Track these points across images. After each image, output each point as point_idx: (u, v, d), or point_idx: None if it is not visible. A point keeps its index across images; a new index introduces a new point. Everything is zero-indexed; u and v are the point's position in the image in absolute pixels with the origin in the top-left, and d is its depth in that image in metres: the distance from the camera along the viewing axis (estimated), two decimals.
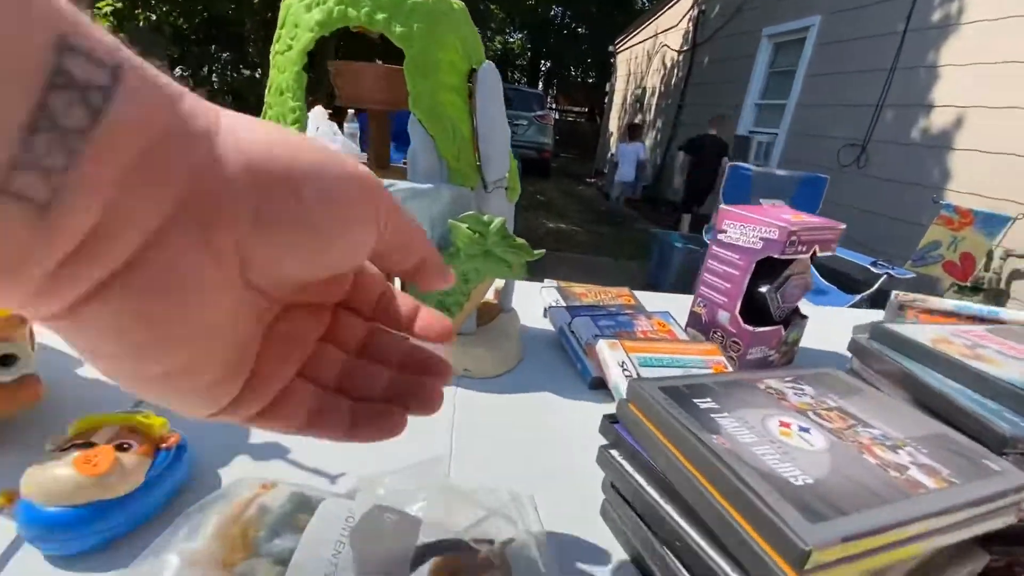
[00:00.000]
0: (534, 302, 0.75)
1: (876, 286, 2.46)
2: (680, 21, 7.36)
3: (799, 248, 0.56)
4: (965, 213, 2.98)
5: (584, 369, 0.56)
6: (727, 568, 0.27)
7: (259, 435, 0.41)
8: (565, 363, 0.59)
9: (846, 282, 3.05)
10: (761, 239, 0.56)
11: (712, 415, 0.31)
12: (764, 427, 0.31)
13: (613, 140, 9.98)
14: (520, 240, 0.48)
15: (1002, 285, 2.98)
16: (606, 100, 10.85)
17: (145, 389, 0.15)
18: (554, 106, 21.31)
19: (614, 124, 10.10)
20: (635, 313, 0.65)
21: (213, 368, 0.15)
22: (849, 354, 0.48)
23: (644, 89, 8.56)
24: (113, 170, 0.11)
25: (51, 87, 0.10)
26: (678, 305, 0.79)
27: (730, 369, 0.48)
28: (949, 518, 0.27)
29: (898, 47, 3.77)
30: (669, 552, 0.31)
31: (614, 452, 0.34)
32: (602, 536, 0.36)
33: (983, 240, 2.89)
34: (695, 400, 0.33)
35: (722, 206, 0.61)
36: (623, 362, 0.44)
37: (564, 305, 0.68)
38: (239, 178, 0.13)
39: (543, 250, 0.50)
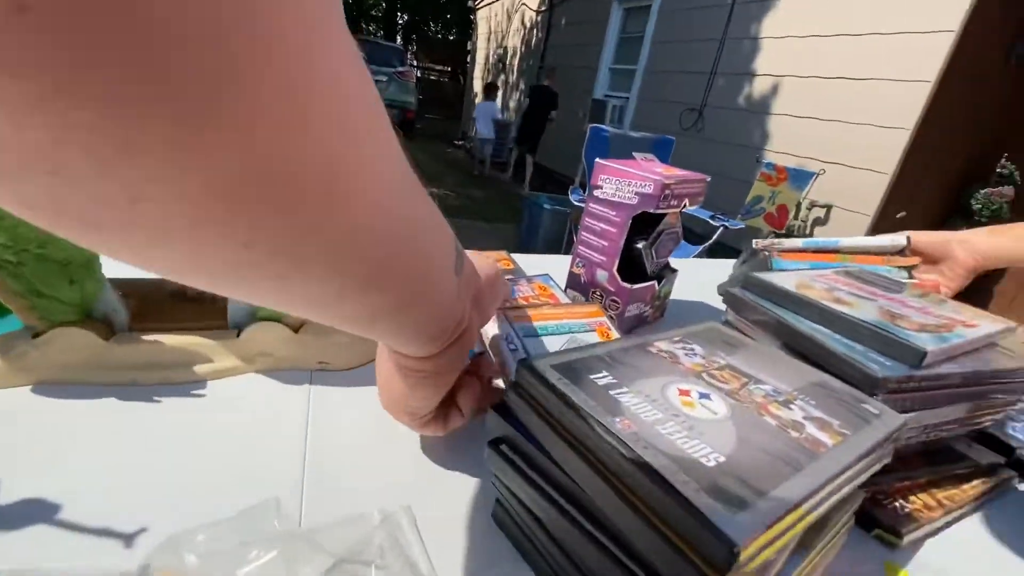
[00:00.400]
0: None
1: (715, 237, 2.77)
2: None
3: (672, 202, 0.55)
4: (781, 170, 3.47)
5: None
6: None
7: (17, 493, 0.28)
8: None
9: (688, 235, 3.40)
10: (636, 194, 0.54)
11: (612, 392, 0.27)
12: (665, 398, 0.27)
13: (478, 101, 9.85)
14: None
15: (807, 231, 3.56)
16: (468, 59, 10.58)
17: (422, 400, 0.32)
18: (415, 63, 20.35)
19: (478, 84, 9.94)
20: (515, 277, 0.59)
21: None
22: (715, 303, 0.48)
23: (505, 49, 8.50)
24: (464, 282, 0.28)
25: (457, 251, 0.26)
26: (556, 265, 0.76)
27: (612, 330, 0.45)
28: (850, 472, 0.26)
29: (727, 18, 4.17)
30: (574, 561, 0.26)
31: (504, 448, 0.28)
32: (496, 544, 0.31)
33: (794, 193, 3.41)
34: (591, 376, 0.28)
35: (597, 160, 0.57)
36: (508, 335, 0.38)
37: None
38: (486, 281, 0.34)
39: None
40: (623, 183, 0.55)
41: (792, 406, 0.29)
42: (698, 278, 0.89)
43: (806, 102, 3.59)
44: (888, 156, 3.07)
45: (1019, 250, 0.57)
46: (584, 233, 0.60)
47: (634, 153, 0.60)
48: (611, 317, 0.59)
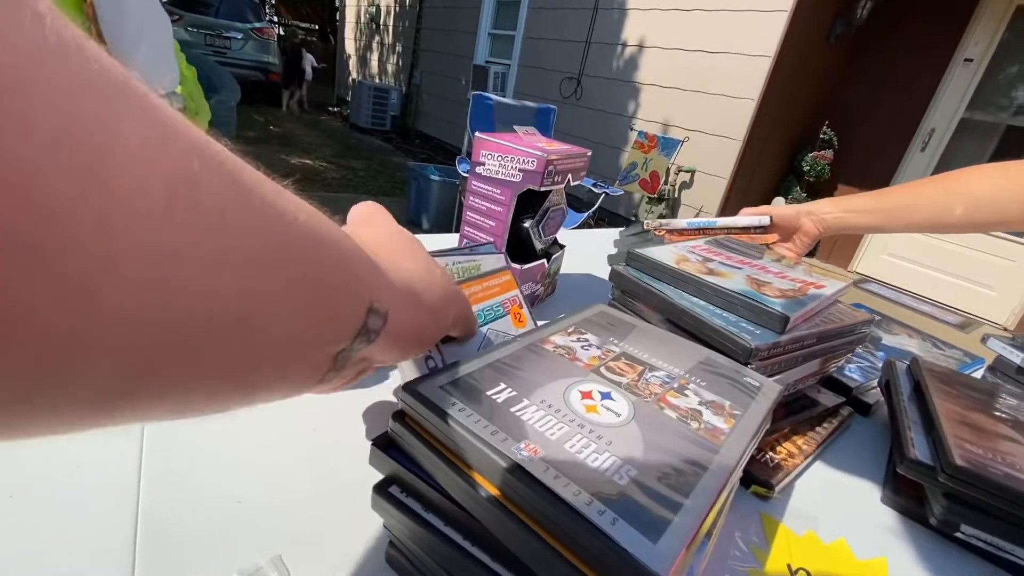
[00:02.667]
0: None
1: (598, 204, 2.90)
2: None
3: (556, 178, 0.53)
4: (651, 138, 3.71)
5: None
6: None
7: None
8: None
9: (573, 202, 3.53)
10: (520, 170, 0.52)
11: (513, 409, 0.25)
12: (569, 407, 0.26)
13: (352, 64, 9.15)
14: None
15: (676, 195, 3.87)
16: (338, 17, 9.72)
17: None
18: (276, 19, 18.23)
19: (351, 46, 9.21)
20: None
21: None
22: (602, 274, 0.49)
23: (378, 7, 7.93)
24: (364, 354, 0.20)
25: (358, 335, 0.19)
26: (437, 246, 0.72)
27: (523, 306, 0.43)
28: (746, 453, 0.26)
29: None
30: None
31: (394, 491, 0.25)
32: None
33: (663, 160, 3.67)
34: (489, 393, 0.25)
35: (477, 134, 0.54)
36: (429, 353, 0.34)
37: None
38: (426, 330, 0.25)
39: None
40: (506, 159, 0.52)
41: (687, 391, 0.30)
42: (584, 249, 0.91)
43: (671, 73, 3.84)
44: (739, 124, 3.42)
45: (856, 221, 0.65)
46: (469, 213, 0.57)
47: (515, 126, 0.57)
48: None
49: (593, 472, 0.21)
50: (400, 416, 0.25)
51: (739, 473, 0.27)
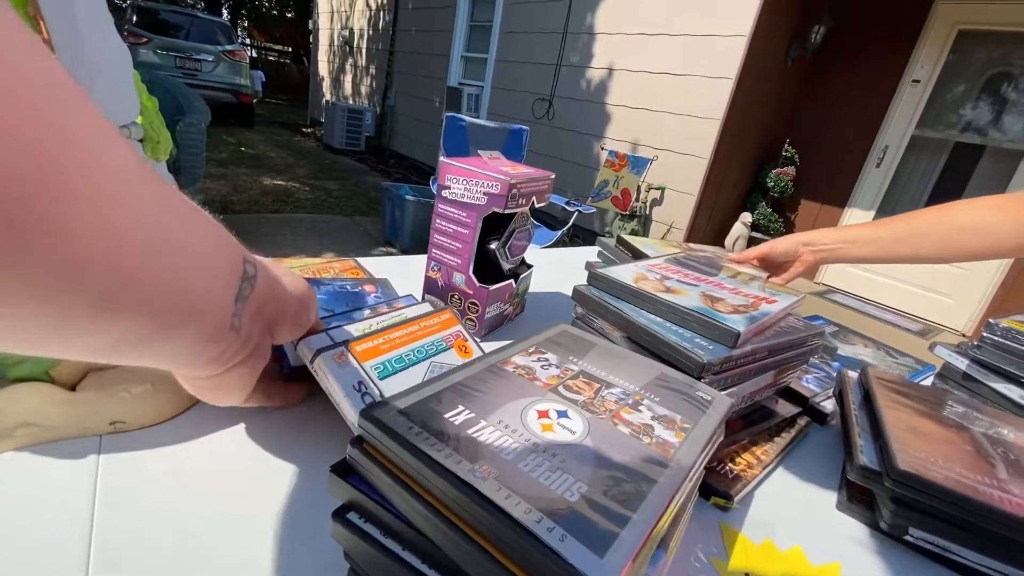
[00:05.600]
0: None
1: (571, 222, 2.95)
2: None
3: (520, 201, 0.55)
4: (622, 157, 3.80)
5: (284, 357, 0.43)
6: None
7: None
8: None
9: (547, 220, 3.58)
10: (484, 194, 0.53)
11: (470, 431, 0.25)
12: (526, 426, 0.26)
13: (326, 86, 9.16)
14: None
15: (648, 211, 3.96)
16: (311, 39, 9.76)
17: (224, 401, 0.31)
18: (248, 42, 18.20)
19: (324, 68, 9.23)
20: (364, 291, 0.55)
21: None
22: (569, 293, 0.50)
23: (351, 31, 8.00)
24: (252, 310, 0.27)
25: (243, 278, 0.26)
26: (411, 268, 0.73)
27: (469, 339, 0.44)
28: (696, 466, 0.27)
29: (567, 13, 4.40)
30: None
31: (353, 517, 0.25)
32: None
33: (634, 177, 3.76)
34: (447, 415, 0.26)
35: (443, 159, 0.55)
36: (359, 383, 0.34)
37: None
38: (288, 304, 0.31)
39: None
40: (471, 183, 0.53)
41: (641, 407, 0.31)
42: (555, 267, 0.93)
43: (638, 94, 3.96)
44: (705, 143, 3.53)
45: (855, 252, 0.68)
46: (436, 235, 0.58)
47: (479, 151, 0.59)
48: (471, 320, 0.59)
49: (545, 490, 0.22)
50: (358, 442, 0.25)
51: (691, 485, 0.28)
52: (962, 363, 0.60)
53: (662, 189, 3.84)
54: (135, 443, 0.34)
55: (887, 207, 3.66)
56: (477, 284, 0.56)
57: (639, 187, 3.78)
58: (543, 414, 0.28)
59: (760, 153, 3.93)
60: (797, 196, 3.95)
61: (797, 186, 3.86)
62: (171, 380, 0.38)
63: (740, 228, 3.85)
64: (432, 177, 3.23)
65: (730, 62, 3.34)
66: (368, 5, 7.51)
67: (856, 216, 3.76)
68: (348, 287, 0.54)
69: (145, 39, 6.16)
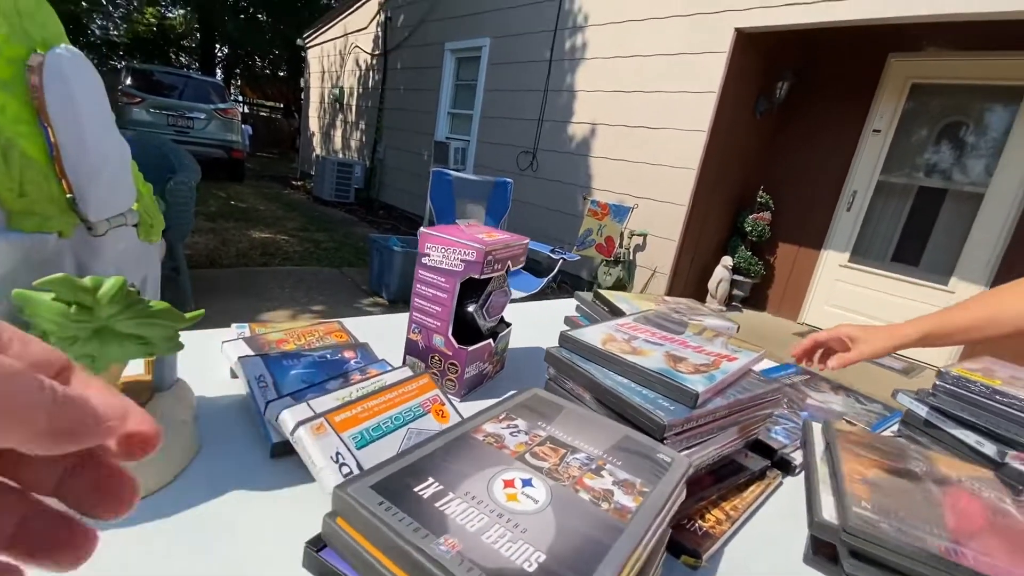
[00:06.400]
0: (217, 360, 0.59)
1: (556, 269, 3.00)
2: (369, 24, 7.40)
3: (496, 267, 0.58)
4: (604, 206, 3.92)
5: (267, 433, 0.45)
6: None
7: None
8: (257, 440, 0.47)
9: (533, 267, 3.65)
10: (462, 260, 0.56)
11: (437, 504, 0.27)
12: (492, 497, 0.28)
13: (316, 140, 9.42)
14: (160, 304, 0.34)
15: (631, 257, 4.05)
16: (302, 96, 10.11)
17: None
18: (241, 98, 18.77)
19: (315, 123, 9.53)
20: (344, 357, 0.57)
21: None
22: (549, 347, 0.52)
23: (342, 89, 8.32)
24: None
25: None
26: (393, 325, 0.75)
27: (446, 403, 0.46)
28: (653, 528, 0.29)
29: (547, 72, 4.65)
30: None
31: None
32: None
33: (617, 225, 3.87)
34: (416, 489, 0.28)
35: (422, 229, 0.59)
36: (337, 453, 0.36)
37: (254, 354, 0.55)
38: None
39: (202, 311, 0.38)
40: (449, 251, 0.57)
41: (603, 472, 0.33)
42: (534, 322, 0.96)
43: (617, 147, 4.14)
44: (683, 191, 3.67)
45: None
46: (417, 299, 0.60)
47: (457, 220, 0.62)
48: (451, 381, 0.61)
49: (506, 561, 0.24)
50: (333, 516, 0.27)
51: (650, 546, 0.29)
52: (922, 410, 0.63)
53: (644, 235, 3.95)
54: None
55: (861, 248, 3.79)
56: (456, 345, 0.59)
57: (622, 234, 3.89)
58: (509, 483, 0.30)
59: (737, 199, 4.08)
60: (775, 239, 4.08)
61: (774, 230, 4.00)
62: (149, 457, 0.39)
63: (722, 271, 3.95)
64: (420, 228, 3.30)
65: (702, 116, 3.53)
66: (358, 65, 7.86)
67: (832, 258, 3.88)
68: (328, 356, 0.56)
69: (138, 99, 6.35)
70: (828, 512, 0.41)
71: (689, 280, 4.02)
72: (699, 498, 0.45)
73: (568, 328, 0.54)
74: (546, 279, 2.87)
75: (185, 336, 0.65)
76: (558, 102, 4.61)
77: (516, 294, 2.88)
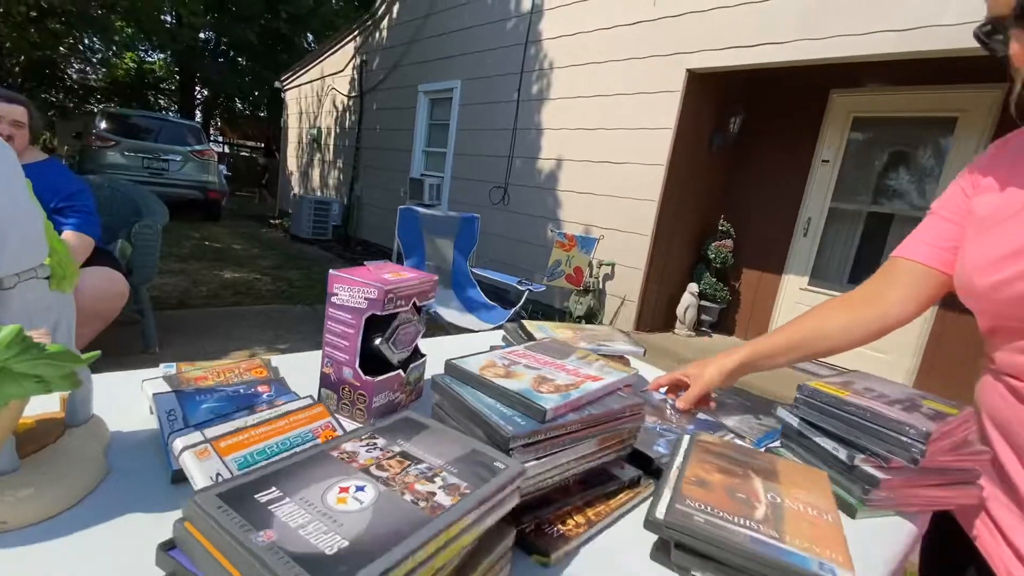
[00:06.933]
0: (139, 398, 0.63)
1: (523, 299, 3.08)
2: (346, 67, 7.64)
3: (399, 303, 0.64)
4: (571, 238, 4.05)
5: (168, 462, 0.49)
6: None
7: None
8: (163, 468, 0.51)
9: (505, 298, 3.72)
10: (365, 299, 0.62)
11: (270, 507, 0.32)
12: (323, 501, 0.34)
13: (295, 179, 9.53)
14: (57, 347, 0.40)
15: (600, 286, 4.15)
16: (281, 136, 10.28)
17: None
18: (221, 139, 18.94)
19: (293, 163, 9.67)
20: (257, 391, 0.62)
21: None
22: None
23: (319, 129, 8.50)
24: None
25: None
26: (315, 363, 0.80)
27: (337, 428, 0.51)
28: (460, 523, 0.35)
29: (515, 112, 4.85)
30: None
31: None
32: None
33: (584, 256, 3.98)
34: (256, 496, 0.33)
35: (331, 271, 0.65)
36: (217, 475, 0.41)
37: (170, 390, 0.59)
38: None
39: (97, 352, 0.43)
40: (354, 290, 0.63)
41: (436, 479, 0.38)
42: (469, 349, 1.01)
43: (583, 180, 4.31)
44: (646, 222, 3.82)
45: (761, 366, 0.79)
46: (328, 335, 0.66)
47: (366, 262, 0.69)
48: (360, 410, 0.66)
49: (311, 547, 0.29)
50: (182, 520, 0.32)
51: (460, 538, 0.35)
52: (795, 422, 0.70)
53: (612, 265, 4.06)
54: (16, 539, 0.39)
55: (819, 270, 3.94)
56: (363, 377, 0.64)
57: (590, 264, 4.00)
58: (344, 490, 0.35)
59: (699, 228, 4.24)
60: (738, 265, 4.22)
61: (737, 256, 4.15)
62: (54, 482, 0.44)
63: (689, 298, 4.06)
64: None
65: (660, 151, 3.71)
66: (335, 106, 8.07)
67: (793, 281, 4.03)
68: (242, 390, 0.61)
69: (113, 142, 6.41)
70: (661, 510, 0.47)
71: (658, 307, 4.12)
72: (562, 504, 0.51)
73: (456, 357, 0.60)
74: (512, 310, 2.93)
75: (113, 376, 0.69)
76: (526, 139, 4.79)
77: (484, 325, 2.94)
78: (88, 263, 2.13)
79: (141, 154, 6.57)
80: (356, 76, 7.32)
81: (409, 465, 0.39)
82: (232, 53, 15.23)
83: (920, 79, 3.34)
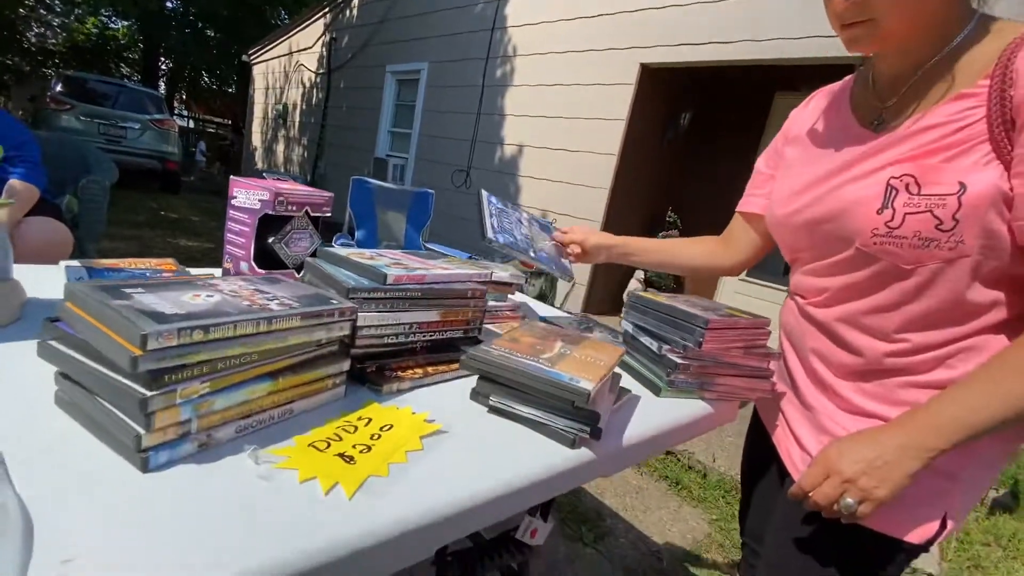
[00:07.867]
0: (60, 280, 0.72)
1: None
2: (315, 44, 7.56)
3: (290, 207, 0.75)
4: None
5: None
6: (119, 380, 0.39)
7: None
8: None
9: None
10: (259, 201, 0.73)
11: (131, 291, 0.43)
12: (177, 298, 0.45)
13: (259, 155, 9.36)
14: None
15: None
16: (247, 111, 10.06)
17: None
18: (186, 113, 18.33)
19: (258, 139, 9.49)
20: (157, 273, 0.72)
21: None
22: None
23: (285, 105, 8.37)
24: None
25: None
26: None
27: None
28: (285, 323, 0.46)
29: (480, 97, 4.94)
30: (107, 401, 0.41)
31: (56, 344, 0.42)
32: (65, 429, 0.43)
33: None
34: (126, 290, 0.44)
35: (232, 177, 0.75)
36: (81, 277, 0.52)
37: (81, 265, 0.69)
38: None
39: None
40: (250, 193, 0.73)
41: (274, 301, 0.50)
42: None
43: (541, 166, 4.45)
44: (596, 208, 3.99)
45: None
46: (228, 234, 0.76)
47: (264, 173, 0.79)
48: None
49: (154, 309, 0.40)
50: (64, 301, 0.43)
51: (288, 338, 0.46)
52: (629, 327, 0.84)
53: None
54: None
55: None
56: (256, 269, 0.75)
57: None
58: (196, 296, 0.46)
59: (648, 218, 4.44)
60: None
61: None
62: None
63: (635, 284, 4.26)
64: (335, 235, 3.42)
65: (612, 141, 3.88)
66: (302, 83, 7.96)
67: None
68: (148, 274, 0.71)
69: (68, 105, 6.19)
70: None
71: (607, 291, 4.31)
72: (408, 360, 0.63)
73: None
74: None
75: (42, 269, 0.77)
76: (490, 124, 4.89)
77: None
78: (32, 213, 2.13)
79: (98, 120, 6.35)
80: (325, 53, 7.25)
81: (258, 294, 0.51)
82: (200, 24, 14.72)
83: None
